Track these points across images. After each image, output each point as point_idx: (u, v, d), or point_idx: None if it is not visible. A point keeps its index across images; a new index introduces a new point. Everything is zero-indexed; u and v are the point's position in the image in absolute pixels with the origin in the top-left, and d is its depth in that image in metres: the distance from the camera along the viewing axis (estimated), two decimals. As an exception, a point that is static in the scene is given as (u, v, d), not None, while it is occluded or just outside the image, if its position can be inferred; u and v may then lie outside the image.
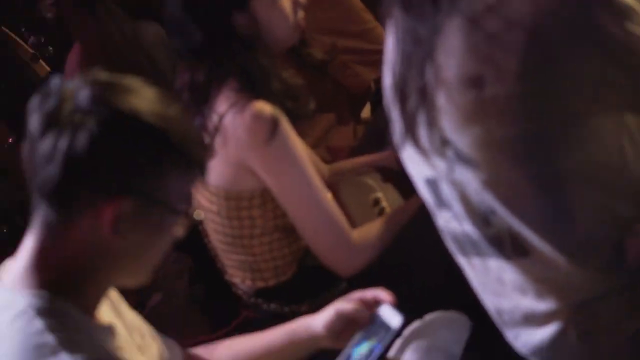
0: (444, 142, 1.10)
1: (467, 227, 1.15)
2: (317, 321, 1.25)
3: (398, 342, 1.31)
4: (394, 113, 1.19)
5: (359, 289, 1.27)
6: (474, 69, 1.06)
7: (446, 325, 1.34)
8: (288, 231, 1.57)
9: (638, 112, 1.06)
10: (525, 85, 1.04)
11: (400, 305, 1.21)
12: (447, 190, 1.14)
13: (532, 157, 1.06)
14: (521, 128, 1.05)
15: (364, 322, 1.20)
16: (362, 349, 1.20)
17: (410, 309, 1.21)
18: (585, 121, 1.04)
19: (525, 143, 1.05)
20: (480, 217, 1.12)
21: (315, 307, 1.39)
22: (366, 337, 1.21)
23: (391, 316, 1.20)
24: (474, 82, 1.06)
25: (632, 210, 1.07)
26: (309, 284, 1.61)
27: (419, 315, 1.29)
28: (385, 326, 1.20)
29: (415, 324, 1.32)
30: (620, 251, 1.08)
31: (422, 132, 1.13)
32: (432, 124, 1.11)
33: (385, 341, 1.20)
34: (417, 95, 1.12)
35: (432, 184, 1.17)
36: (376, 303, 1.22)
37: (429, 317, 1.33)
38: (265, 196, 1.53)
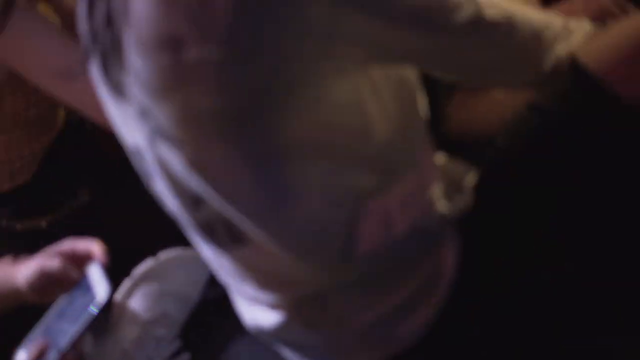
0: (143, 111, 0.95)
1: (176, 208, 1.03)
2: (20, 275, 1.14)
3: (127, 284, 1.23)
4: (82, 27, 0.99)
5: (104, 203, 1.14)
6: (170, 25, 0.89)
7: (183, 265, 1.25)
8: (30, 126, 1.42)
9: (388, 63, 0.96)
10: (231, 47, 0.89)
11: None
12: (151, 165, 1.00)
13: (241, 132, 0.92)
14: (226, 98, 0.91)
15: (70, 283, 1.10)
16: (65, 318, 1.10)
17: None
18: (310, 82, 0.92)
19: (231, 116, 0.91)
20: (190, 200, 1.00)
21: (55, 223, 1.30)
22: (70, 304, 1.11)
23: (99, 282, 1.09)
24: (170, 42, 0.90)
25: (371, 179, 0.97)
26: (50, 189, 1.46)
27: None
28: (91, 294, 1.09)
29: (147, 264, 1.23)
30: (351, 240, 0.98)
31: (116, 80, 0.96)
32: (120, 83, 0.95)
33: (89, 312, 1.09)
34: (105, 31, 0.94)
35: (136, 154, 1.02)
36: (88, 259, 1.11)
37: (163, 255, 1.24)
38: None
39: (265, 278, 1.05)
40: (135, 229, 1.34)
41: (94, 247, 1.14)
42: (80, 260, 1.14)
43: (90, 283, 1.12)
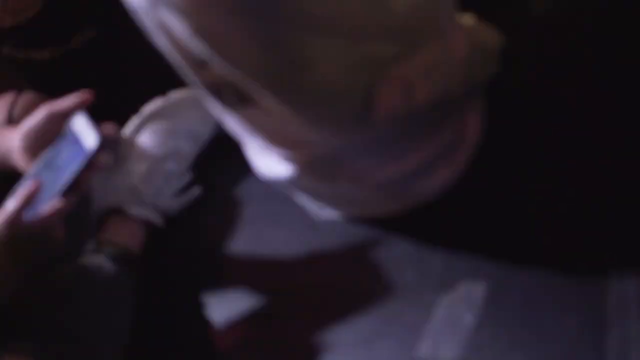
0: None
1: (180, 65, 0.97)
2: (11, 137, 1.13)
3: (135, 121, 1.21)
4: None
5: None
6: None
7: (194, 104, 1.22)
8: None
9: None
10: None
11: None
12: (152, 26, 0.94)
13: (251, 3, 0.85)
14: None
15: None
16: (54, 167, 1.07)
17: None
18: None
19: None
20: (193, 61, 0.94)
21: (59, 55, 1.28)
22: (58, 155, 1.08)
23: (87, 130, 1.07)
24: None
25: (392, 48, 0.90)
26: (55, 24, 1.37)
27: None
28: (80, 142, 1.07)
29: (156, 102, 1.21)
30: (369, 106, 0.92)
31: None
32: None
33: (76, 164, 1.06)
34: None
35: (136, 13, 0.96)
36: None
37: (174, 94, 1.22)
38: None
39: (275, 137, 1.01)
40: (142, 69, 1.28)
41: (75, 99, 1.10)
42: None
43: (77, 133, 1.08)
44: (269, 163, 1.08)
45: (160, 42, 0.95)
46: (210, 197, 1.25)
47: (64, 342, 1.01)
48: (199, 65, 0.93)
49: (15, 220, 1.03)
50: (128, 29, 1.08)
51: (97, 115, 1.11)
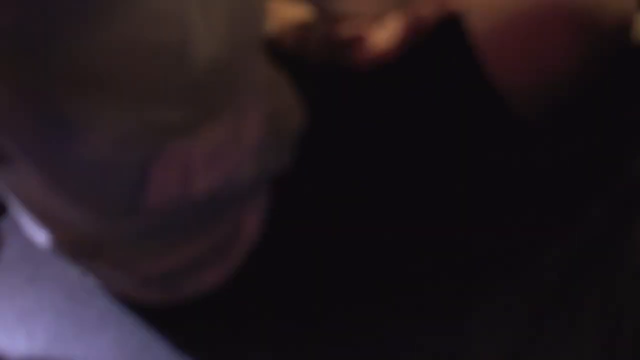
0: None
1: None
2: None
3: None
4: None
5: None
6: None
7: None
8: None
9: None
10: None
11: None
12: None
13: (20, 56, 0.69)
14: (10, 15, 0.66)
15: None
16: None
17: None
18: None
19: (11, 37, 0.68)
20: None
21: None
22: None
23: None
24: None
25: (177, 115, 0.76)
26: None
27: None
28: None
29: None
30: (140, 190, 0.79)
31: None
32: None
33: None
34: None
35: None
36: None
37: None
38: None
39: (32, 208, 0.88)
40: None
41: None
42: None
43: None
44: (27, 223, 0.93)
45: None
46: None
47: None
48: None
49: None
50: None
51: None
